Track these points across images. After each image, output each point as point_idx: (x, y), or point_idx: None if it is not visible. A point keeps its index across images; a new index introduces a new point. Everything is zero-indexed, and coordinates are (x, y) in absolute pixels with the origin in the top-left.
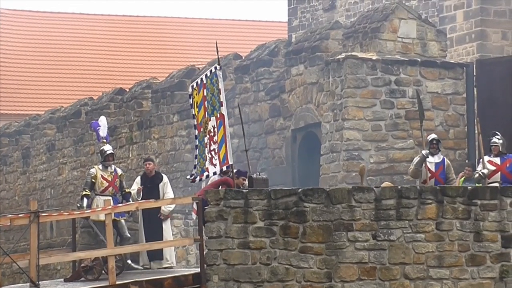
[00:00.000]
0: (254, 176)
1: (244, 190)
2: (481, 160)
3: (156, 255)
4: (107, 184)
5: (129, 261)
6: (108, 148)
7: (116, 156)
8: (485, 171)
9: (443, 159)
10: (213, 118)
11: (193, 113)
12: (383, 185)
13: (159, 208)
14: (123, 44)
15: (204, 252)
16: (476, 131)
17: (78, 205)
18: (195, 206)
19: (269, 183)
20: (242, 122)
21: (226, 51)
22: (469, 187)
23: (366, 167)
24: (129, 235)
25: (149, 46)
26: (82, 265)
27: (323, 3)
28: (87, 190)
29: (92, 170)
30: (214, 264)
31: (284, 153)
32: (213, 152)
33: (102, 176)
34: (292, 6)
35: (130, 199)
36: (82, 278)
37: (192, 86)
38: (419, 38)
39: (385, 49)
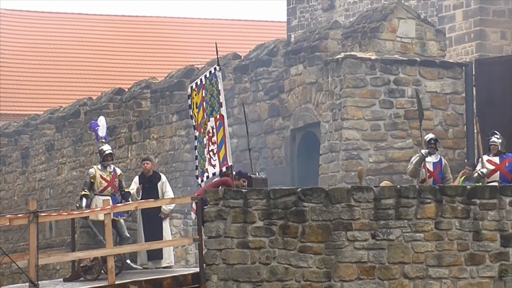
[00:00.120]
0: (253, 176)
1: (243, 190)
2: (480, 159)
3: (156, 255)
4: (106, 184)
5: (128, 261)
6: (107, 148)
7: (115, 156)
8: (484, 170)
9: (441, 159)
10: (212, 119)
11: (192, 113)
12: (382, 184)
13: (159, 207)
14: (122, 44)
15: (203, 252)
16: (475, 131)
17: (77, 205)
18: (194, 205)
19: (268, 182)
20: (246, 121)
21: (225, 51)
22: (468, 187)
23: (365, 168)
24: (128, 235)
25: (148, 46)
26: (81, 265)
27: (322, 3)
28: (86, 190)
29: (91, 170)
30: (213, 263)
31: (283, 152)
32: (211, 153)
33: (101, 176)
34: (291, 6)
35: (130, 199)
36: (81, 278)
37: (191, 87)
38: (418, 38)
39: (384, 49)
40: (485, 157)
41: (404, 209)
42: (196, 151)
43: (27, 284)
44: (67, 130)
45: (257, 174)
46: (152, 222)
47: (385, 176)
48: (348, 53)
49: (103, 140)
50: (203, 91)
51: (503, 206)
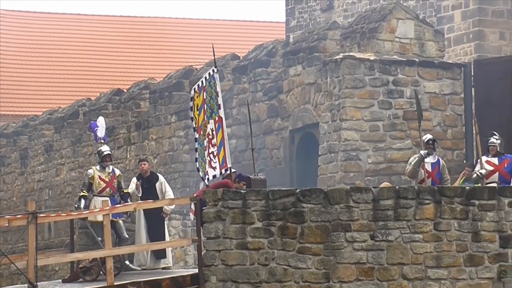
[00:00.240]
0: (252, 176)
1: (242, 191)
2: (479, 160)
3: (160, 254)
4: (104, 185)
5: (127, 262)
6: (105, 148)
7: (114, 157)
8: (483, 171)
9: (438, 159)
10: (211, 121)
11: (192, 115)
12: (382, 185)
13: (159, 208)
14: (121, 44)
15: (202, 253)
16: (474, 131)
17: (76, 206)
18: (193, 206)
19: (267, 183)
20: (250, 121)
21: (223, 51)
22: (467, 187)
23: (364, 169)
24: (127, 236)
25: (147, 46)
26: (80, 266)
27: (321, 4)
28: (84, 191)
29: (90, 171)
30: (212, 264)
31: (282, 153)
32: (212, 155)
33: (99, 177)
34: (290, 6)
35: (129, 200)
36: (80, 279)
37: (194, 89)
38: (417, 38)
39: (383, 50)
40: (484, 158)
41: (403, 210)
42: (197, 153)
43: (26, 285)
44: (66, 130)
45: (256, 175)
46: (155, 222)
47: (384, 177)
48: (347, 54)
49: (102, 141)
50: (204, 93)
51: (502, 207)
